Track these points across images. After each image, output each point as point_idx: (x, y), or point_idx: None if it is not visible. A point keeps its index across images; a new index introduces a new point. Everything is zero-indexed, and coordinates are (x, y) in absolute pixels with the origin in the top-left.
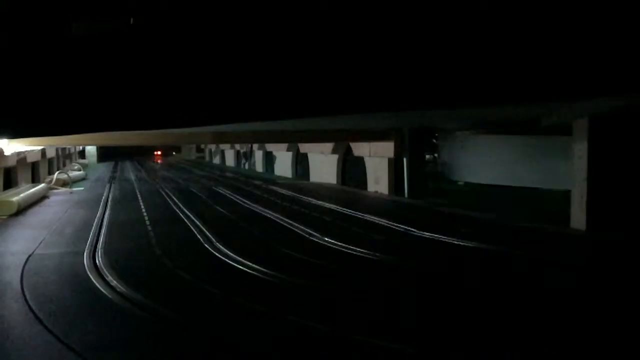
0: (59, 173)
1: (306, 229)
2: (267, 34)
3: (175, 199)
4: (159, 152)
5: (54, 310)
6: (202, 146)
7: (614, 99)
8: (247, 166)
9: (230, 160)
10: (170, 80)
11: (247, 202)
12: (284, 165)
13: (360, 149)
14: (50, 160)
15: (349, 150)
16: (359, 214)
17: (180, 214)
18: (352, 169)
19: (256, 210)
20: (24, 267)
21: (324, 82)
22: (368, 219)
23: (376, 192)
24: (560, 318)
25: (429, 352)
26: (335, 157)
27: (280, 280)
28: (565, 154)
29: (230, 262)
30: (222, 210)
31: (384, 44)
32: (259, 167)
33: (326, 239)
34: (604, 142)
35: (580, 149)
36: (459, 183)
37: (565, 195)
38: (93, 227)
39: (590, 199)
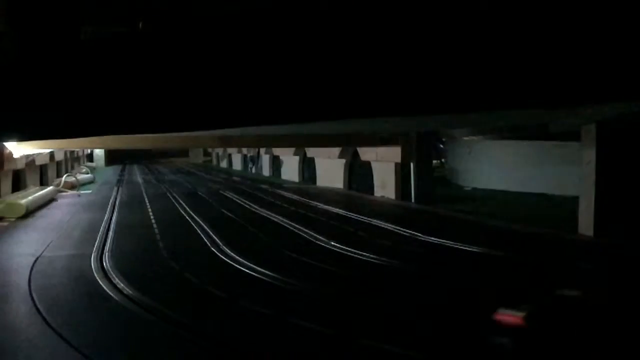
0: (67, 176)
1: (313, 233)
2: (275, 38)
3: (182, 202)
4: None
5: (61, 311)
6: (209, 150)
7: (622, 105)
8: (254, 170)
9: (237, 164)
10: (177, 83)
11: (254, 206)
12: (290, 169)
13: (367, 153)
14: (58, 163)
15: (355, 154)
16: (366, 219)
17: (188, 218)
18: (359, 174)
19: (263, 214)
20: (31, 269)
21: (331, 86)
22: (374, 223)
23: (383, 196)
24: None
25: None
26: (342, 161)
27: (289, 285)
28: (573, 160)
29: (237, 266)
30: (229, 214)
31: (392, 48)
32: (266, 171)
33: (333, 243)
34: (613, 148)
35: (588, 155)
36: (466, 188)
37: (573, 201)
38: (101, 230)
39: (599, 205)
